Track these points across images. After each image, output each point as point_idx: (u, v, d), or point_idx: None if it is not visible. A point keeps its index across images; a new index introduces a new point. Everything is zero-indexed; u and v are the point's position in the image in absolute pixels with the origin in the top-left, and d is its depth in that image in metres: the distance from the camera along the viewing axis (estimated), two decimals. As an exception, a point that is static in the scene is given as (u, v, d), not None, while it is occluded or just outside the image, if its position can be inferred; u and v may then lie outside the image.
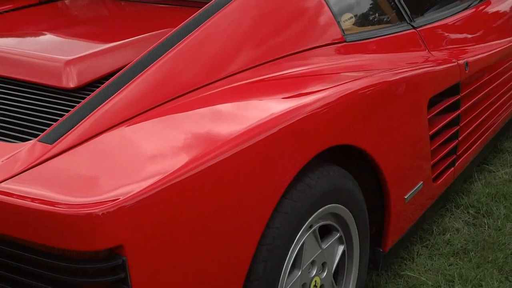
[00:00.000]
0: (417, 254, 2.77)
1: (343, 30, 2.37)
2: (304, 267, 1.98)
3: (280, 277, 1.85)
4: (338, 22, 2.37)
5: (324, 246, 2.07)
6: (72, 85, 1.96)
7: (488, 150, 3.52)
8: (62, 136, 1.62)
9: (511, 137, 3.90)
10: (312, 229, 1.98)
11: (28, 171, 1.52)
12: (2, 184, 1.46)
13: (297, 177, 1.85)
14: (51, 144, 1.60)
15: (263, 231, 1.77)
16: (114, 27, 2.61)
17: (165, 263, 1.49)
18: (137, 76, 1.79)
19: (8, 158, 1.57)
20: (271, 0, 2.22)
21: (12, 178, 1.49)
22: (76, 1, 2.99)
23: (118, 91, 1.74)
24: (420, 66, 2.48)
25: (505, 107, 3.42)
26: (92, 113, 1.69)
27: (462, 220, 3.03)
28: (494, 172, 3.47)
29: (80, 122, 1.66)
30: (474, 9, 3.27)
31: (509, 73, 3.37)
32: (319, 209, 1.95)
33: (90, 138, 1.64)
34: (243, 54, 2.06)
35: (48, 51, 2.14)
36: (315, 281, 2.05)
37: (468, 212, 3.09)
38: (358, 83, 2.11)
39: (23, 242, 1.45)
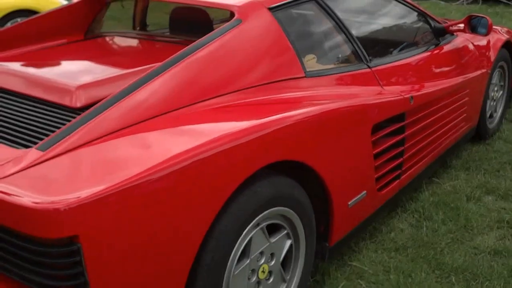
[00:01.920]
0: (365, 248, 2.69)
1: (304, 67, 2.31)
2: (253, 256, 1.93)
3: (227, 265, 1.80)
4: (301, 61, 2.31)
5: (273, 240, 2.01)
6: (79, 105, 1.95)
7: (437, 166, 3.41)
8: (53, 145, 1.60)
9: (460, 156, 3.76)
10: (260, 226, 1.93)
11: (19, 172, 1.51)
12: (-5, 183, 1.46)
13: (244, 184, 1.80)
14: (43, 151, 1.58)
15: (213, 227, 1.72)
16: (130, 59, 2.60)
17: (116, 251, 1.46)
18: (120, 101, 1.77)
19: (7, 162, 1.57)
20: (245, 42, 2.18)
21: (5, 178, 1.48)
22: (113, 38, 2.99)
23: (102, 112, 1.72)
24: (367, 98, 2.40)
25: (451, 133, 3.30)
26: (81, 127, 1.67)
27: (407, 222, 2.94)
28: (440, 184, 3.35)
29: (71, 135, 1.65)
30: (427, 53, 3.18)
31: (454, 105, 3.26)
32: (265, 211, 1.90)
33: (76, 148, 1.63)
34: (214, 83, 2.03)
35: (67, 76, 2.14)
36: (263, 267, 2.00)
37: (413, 216, 2.99)
38: (306, 110, 2.05)
39: (6, 229, 1.43)
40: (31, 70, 2.24)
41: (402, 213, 3.01)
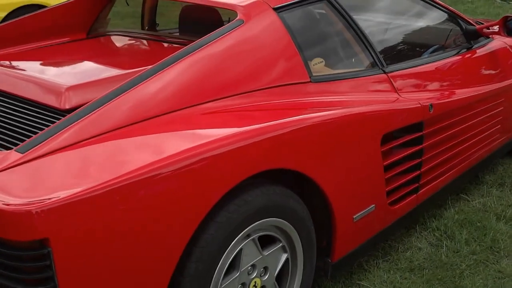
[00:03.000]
0: (377, 267, 2.75)
1: (310, 72, 2.40)
2: (243, 269, 2.02)
3: (213, 276, 1.90)
4: (306, 65, 2.40)
5: (266, 253, 2.10)
6: (67, 106, 2.08)
7: (466, 181, 3.44)
8: (32, 148, 1.73)
9: (494, 171, 3.78)
10: (251, 238, 2.02)
11: (-5, 174, 1.64)
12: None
13: (234, 193, 1.90)
14: (22, 153, 1.71)
15: (198, 236, 1.83)
16: (130, 60, 2.73)
17: (88, 256, 1.58)
18: (106, 103, 1.89)
19: (-15, 163, 1.70)
20: (245, 43, 2.29)
21: (-20, 179, 1.61)
22: (116, 38, 3.13)
23: (87, 115, 1.85)
24: (376, 105, 2.47)
25: (482, 145, 3.33)
26: (64, 130, 1.80)
27: (427, 241, 2.98)
28: (469, 201, 3.38)
29: (52, 137, 1.77)
30: (455, 58, 3.22)
31: (487, 114, 3.29)
32: (256, 221, 1.99)
33: (57, 151, 1.75)
34: (210, 87, 2.13)
35: (59, 77, 2.28)
36: (255, 281, 2.09)
37: (434, 234, 3.04)
38: (305, 117, 2.14)
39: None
40: (24, 70, 2.39)
41: (422, 231, 3.06)
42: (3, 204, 1.50)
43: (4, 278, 1.56)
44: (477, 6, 9.90)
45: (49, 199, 1.51)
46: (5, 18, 5.30)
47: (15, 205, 1.50)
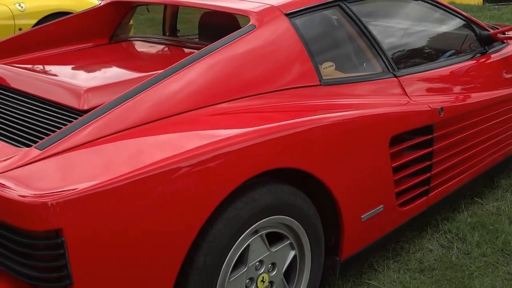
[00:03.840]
0: (387, 267, 2.81)
1: (320, 75, 2.47)
2: (251, 264, 2.10)
3: (221, 270, 1.98)
4: (316, 68, 2.47)
5: (274, 249, 2.18)
6: (86, 107, 2.18)
7: (480, 184, 3.47)
8: (51, 145, 1.84)
9: (510, 175, 3.79)
10: (258, 234, 2.10)
11: (15, 169, 1.75)
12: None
13: (242, 190, 1.99)
14: (41, 150, 1.82)
15: (207, 231, 1.91)
16: (149, 64, 2.84)
17: (100, 247, 1.67)
18: (121, 104, 1.99)
19: (7, 159, 1.82)
20: (257, 48, 2.37)
21: (1, 174, 1.72)
22: (138, 43, 3.24)
23: (104, 114, 1.95)
24: (384, 108, 2.53)
25: (496, 148, 3.36)
26: (82, 128, 1.90)
27: (438, 243, 3.02)
28: (482, 204, 3.41)
29: (70, 135, 1.88)
30: (468, 62, 3.27)
31: (500, 118, 3.32)
32: (263, 218, 2.07)
33: (74, 148, 1.86)
34: (223, 89, 2.22)
35: (79, 79, 2.40)
36: (263, 277, 2.17)
37: (445, 237, 3.07)
38: (313, 118, 2.21)
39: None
40: (46, 73, 2.51)
41: (434, 233, 3.11)
42: (21, 196, 1.61)
43: (20, 266, 1.67)
44: (504, 13, 9.86)
45: (64, 191, 1.62)
46: (36, 25, 5.47)
47: (32, 196, 1.60)
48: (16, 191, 1.63)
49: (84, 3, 5.77)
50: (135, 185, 1.71)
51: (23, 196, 1.60)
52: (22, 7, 5.50)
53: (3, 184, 1.66)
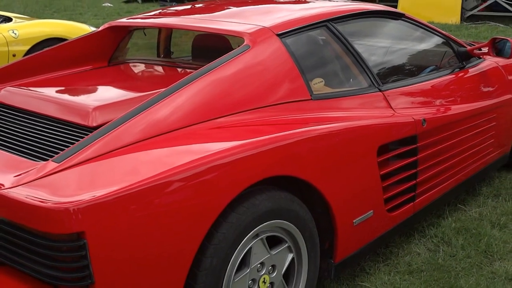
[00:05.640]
0: (378, 270, 2.97)
1: (311, 90, 2.66)
2: (253, 266, 2.25)
3: (226, 271, 2.14)
4: (307, 84, 2.66)
5: (274, 252, 2.34)
6: (95, 124, 2.34)
7: (462, 191, 3.66)
8: (67, 158, 1.99)
9: (491, 183, 3.99)
10: (259, 237, 2.26)
11: (37, 180, 1.90)
12: (15, 189, 1.86)
13: (243, 196, 2.15)
14: (58, 163, 1.98)
15: (212, 234, 2.07)
16: (148, 84, 3.00)
17: (118, 248, 1.83)
18: (128, 120, 2.15)
19: (27, 171, 1.97)
20: (251, 66, 2.55)
21: (23, 185, 1.88)
22: (135, 65, 3.41)
23: (113, 130, 2.11)
24: (372, 120, 2.71)
25: (476, 157, 3.55)
26: (94, 143, 2.06)
27: (425, 247, 3.20)
28: (466, 210, 3.60)
29: (84, 149, 2.04)
30: (448, 77, 3.46)
31: (480, 129, 3.51)
32: (264, 223, 2.23)
33: (89, 160, 2.01)
34: (220, 105, 2.39)
35: (86, 99, 2.56)
36: (264, 278, 2.32)
37: (432, 241, 3.25)
38: (305, 130, 2.39)
39: (22, 227, 1.82)
40: (53, 93, 2.67)
41: (421, 238, 3.28)
42: (45, 202, 1.76)
43: (44, 267, 1.81)
44: (480, 31, 10.16)
45: (84, 198, 1.77)
46: (29, 51, 5.63)
47: (56, 203, 1.76)
48: (40, 198, 1.78)
49: (76, 30, 5.94)
50: (146, 193, 1.87)
51: (47, 202, 1.75)
52: (15, 33, 5.66)
53: (28, 193, 1.81)
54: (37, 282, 1.89)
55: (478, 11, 11.51)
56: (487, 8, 11.57)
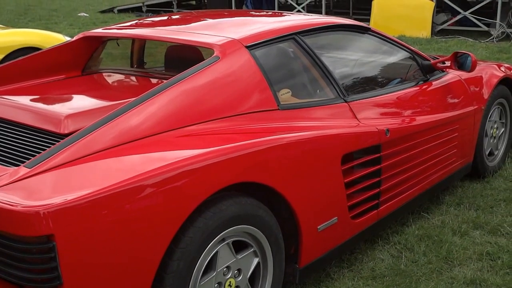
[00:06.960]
0: (342, 276, 3.06)
1: (278, 101, 2.74)
2: (219, 270, 2.32)
3: (192, 274, 2.20)
4: (275, 95, 2.74)
5: (239, 256, 2.41)
6: (66, 131, 2.40)
7: (426, 199, 3.77)
8: (39, 163, 2.05)
9: (454, 192, 4.11)
10: (225, 242, 2.33)
11: (9, 184, 1.96)
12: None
13: (211, 202, 2.23)
14: (30, 168, 2.03)
15: (179, 238, 2.14)
16: (120, 93, 3.07)
17: (86, 251, 1.89)
18: (99, 127, 2.22)
19: (-1, 177, 2.02)
20: (220, 77, 2.63)
21: (-5, 189, 1.93)
22: (108, 75, 3.47)
23: (83, 137, 2.17)
24: (336, 129, 2.81)
25: (439, 167, 3.66)
26: (65, 149, 2.12)
27: (388, 253, 3.29)
28: (429, 218, 3.70)
29: (55, 155, 2.09)
30: (411, 89, 3.58)
31: (442, 139, 3.63)
32: (230, 227, 2.31)
33: (59, 166, 2.07)
34: (188, 113, 2.47)
35: (58, 107, 2.61)
36: (230, 281, 2.39)
37: (395, 248, 3.35)
38: (271, 138, 2.47)
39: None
40: (27, 102, 2.72)
41: (385, 244, 3.38)
42: (16, 206, 1.82)
43: (14, 269, 1.87)
44: (450, 45, 10.37)
45: (54, 202, 1.83)
46: (3, 60, 5.65)
47: (26, 206, 1.81)
48: (11, 202, 1.84)
49: (51, 39, 5.98)
50: (116, 198, 1.94)
51: (18, 206, 1.81)
52: (-11, 42, 5.69)
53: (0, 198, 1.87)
54: (3, 283, 1.93)
55: (448, 25, 11.76)
56: (457, 23, 11.82)
